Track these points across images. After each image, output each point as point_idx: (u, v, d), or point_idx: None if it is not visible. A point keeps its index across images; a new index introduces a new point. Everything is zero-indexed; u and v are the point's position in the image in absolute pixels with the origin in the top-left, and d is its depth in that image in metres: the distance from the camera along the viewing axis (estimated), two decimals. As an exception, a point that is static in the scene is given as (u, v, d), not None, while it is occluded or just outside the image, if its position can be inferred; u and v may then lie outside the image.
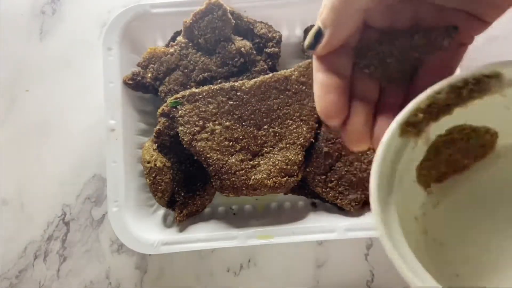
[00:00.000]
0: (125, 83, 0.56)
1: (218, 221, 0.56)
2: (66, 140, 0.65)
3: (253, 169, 0.52)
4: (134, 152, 0.56)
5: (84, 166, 0.64)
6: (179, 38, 0.57)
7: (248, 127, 0.53)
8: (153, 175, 0.53)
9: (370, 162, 0.53)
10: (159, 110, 0.54)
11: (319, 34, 0.26)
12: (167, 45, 0.58)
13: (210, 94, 0.53)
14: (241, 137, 0.52)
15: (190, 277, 0.60)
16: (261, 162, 0.52)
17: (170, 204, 0.55)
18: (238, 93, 0.53)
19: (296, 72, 0.54)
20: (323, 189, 0.54)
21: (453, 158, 0.31)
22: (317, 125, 0.55)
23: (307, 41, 0.27)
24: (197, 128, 0.52)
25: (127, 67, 0.57)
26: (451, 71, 0.28)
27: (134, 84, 0.56)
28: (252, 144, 0.53)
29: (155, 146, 0.55)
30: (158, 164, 0.53)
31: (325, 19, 0.25)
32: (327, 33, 0.25)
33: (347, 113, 0.27)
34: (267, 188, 0.52)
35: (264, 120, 0.53)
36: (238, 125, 0.53)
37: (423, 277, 0.26)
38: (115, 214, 0.53)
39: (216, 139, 0.52)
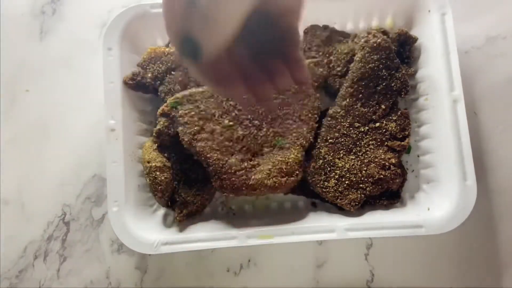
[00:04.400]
0: (125, 83, 0.56)
1: (218, 221, 0.56)
2: (66, 140, 0.65)
3: (253, 169, 0.52)
4: (134, 152, 0.56)
5: (84, 166, 0.64)
6: (179, 38, 0.57)
7: (248, 127, 0.53)
8: (153, 175, 0.53)
9: (369, 162, 0.53)
10: (159, 110, 0.54)
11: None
12: (167, 45, 0.59)
13: (210, 94, 0.53)
14: (241, 137, 0.52)
15: (190, 277, 0.60)
16: (261, 162, 0.52)
17: (170, 204, 0.56)
18: (238, 93, 0.53)
19: (296, 72, 0.54)
20: (323, 189, 0.54)
21: None
22: (317, 125, 0.55)
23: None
24: (197, 128, 0.52)
25: (127, 67, 0.57)
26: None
27: (134, 84, 0.56)
28: (252, 144, 0.53)
29: (155, 146, 0.55)
30: (158, 164, 0.53)
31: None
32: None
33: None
34: (267, 188, 0.52)
35: (264, 120, 0.53)
36: (238, 125, 0.53)
37: None
38: (115, 214, 0.53)
39: (216, 139, 0.52)
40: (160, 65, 0.56)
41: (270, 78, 0.32)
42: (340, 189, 0.54)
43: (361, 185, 0.53)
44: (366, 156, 0.54)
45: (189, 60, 0.26)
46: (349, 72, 0.55)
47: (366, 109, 0.54)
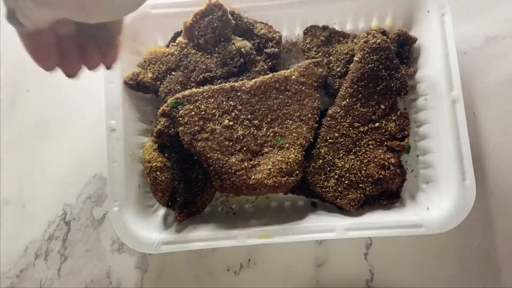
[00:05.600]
0: (125, 83, 0.56)
1: (218, 220, 0.56)
2: (66, 140, 0.65)
3: (253, 169, 0.52)
4: (135, 152, 0.56)
5: (85, 166, 0.64)
6: (180, 39, 0.57)
7: (248, 127, 0.53)
8: (154, 175, 0.54)
9: (369, 162, 0.54)
10: (160, 110, 0.54)
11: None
12: (167, 46, 0.59)
13: (210, 94, 0.53)
14: (241, 137, 0.53)
15: (190, 276, 0.60)
16: (261, 162, 0.53)
17: (170, 203, 0.56)
18: (238, 93, 0.53)
19: (296, 72, 0.55)
20: (323, 189, 0.54)
21: None
22: (317, 125, 0.55)
23: None
24: (197, 128, 0.52)
25: (127, 67, 0.57)
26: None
27: (135, 84, 0.56)
28: (252, 144, 0.53)
29: (155, 146, 0.55)
30: (159, 164, 0.54)
31: None
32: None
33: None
34: (267, 187, 0.52)
35: (264, 120, 0.53)
36: (238, 125, 0.53)
37: None
38: (115, 214, 0.53)
39: (216, 139, 0.52)
40: (161, 65, 0.56)
41: (82, 59, 0.37)
42: (339, 189, 0.54)
43: (360, 185, 0.54)
44: (365, 156, 0.54)
45: (13, 26, 0.32)
46: (349, 72, 0.55)
47: (365, 109, 0.54)
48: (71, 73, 0.38)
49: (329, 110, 0.55)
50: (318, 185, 0.54)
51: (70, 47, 0.37)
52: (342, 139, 0.54)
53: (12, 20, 0.31)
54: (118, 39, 0.39)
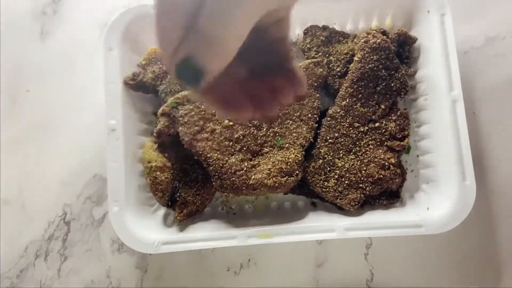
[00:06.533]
0: (125, 83, 0.56)
1: (218, 220, 0.56)
2: (66, 140, 0.65)
3: (253, 168, 0.52)
4: (135, 152, 0.56)
5: (85, 166, 0.64)
6: (180, 39, 0.57)
7: (248, 127, 0.53)
8: (154, 175, 0.54)
9: (369, 162, 0.54)
10: (160, 110, 0.54)
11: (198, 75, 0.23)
12: (167, 46, 0.59)
13: (210, 94, 0.53)
14: (241, 137, 0.53)
15: (190, 276, 0.60)
16: (261, 162, 0.53)
17: (170, 203, 0.56)
18: (238, 93, 0.53)
19: (296, 72, 0.55)
20: (323, 189, 0.54)
21: None
22: (317, 125, 0.55)
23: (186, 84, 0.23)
24: (197, 128, 0.52)
25: (127, 67, 0.57)
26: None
27: (135, 84, 0.56)
28: (252, 144, 0.53)
29: (155, 146, 0.55)
30: (159, 164, 0.54)
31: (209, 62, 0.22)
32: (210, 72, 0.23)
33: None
34: (267, 187, 0.52)
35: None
36: (238, 125, 0.53)
37: None
38: (115, 214, 0.53)
39: (216, 139, 0.52)
40: (161, 65, 0.56)
41: (274, 95, 0.29)
42: (339, 189, 0.54)
43: (360, 185, 0.53)
44: (365, 156, 0.54)
45: (190, 85, 0.23)
46: (349, 72, 0.55)
47: (365, 109, 0.54)
48: (271, 114, 0.30)
49: (329, 110, 0.55)
50: (318, 185, 0.54)
51: (258, 87, 0.29)
52: (342, 139, 0.54)
53: (189, 76, 0.22)
54: (293, 63, 0.30)
